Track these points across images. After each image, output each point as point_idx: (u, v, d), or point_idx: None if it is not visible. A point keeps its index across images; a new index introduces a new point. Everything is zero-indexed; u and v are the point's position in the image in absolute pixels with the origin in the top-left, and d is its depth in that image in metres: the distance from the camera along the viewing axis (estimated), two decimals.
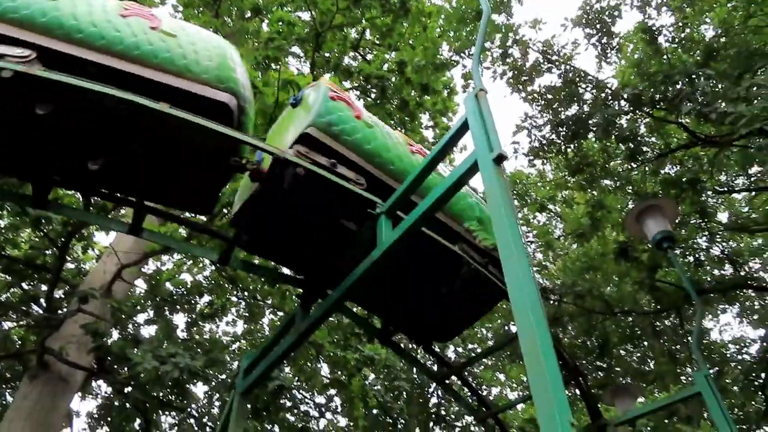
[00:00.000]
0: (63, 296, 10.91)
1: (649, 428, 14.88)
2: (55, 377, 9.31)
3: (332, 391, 19.63)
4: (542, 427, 2.25)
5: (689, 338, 14.68)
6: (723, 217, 14.58)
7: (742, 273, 13.01)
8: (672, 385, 15.65)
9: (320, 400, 19.32)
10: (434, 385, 21.18)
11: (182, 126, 3.38)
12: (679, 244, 12.01)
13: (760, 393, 14.33)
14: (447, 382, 5.82)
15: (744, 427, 14.04)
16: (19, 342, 13.56)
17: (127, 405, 12.47)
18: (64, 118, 3.38)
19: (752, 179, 12.92)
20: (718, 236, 13.39)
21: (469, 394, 6.11)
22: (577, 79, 11.88)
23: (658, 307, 13.19)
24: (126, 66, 3.44)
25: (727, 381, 14.65)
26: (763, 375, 14.14)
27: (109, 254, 10.84)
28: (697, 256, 13.24)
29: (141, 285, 14.31)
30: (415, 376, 20.27)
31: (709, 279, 13.38)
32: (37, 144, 3.63)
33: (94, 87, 3.21)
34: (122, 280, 10.67)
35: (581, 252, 14.39)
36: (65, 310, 9.91)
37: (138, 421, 14.93)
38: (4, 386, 16.00)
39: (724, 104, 8.63)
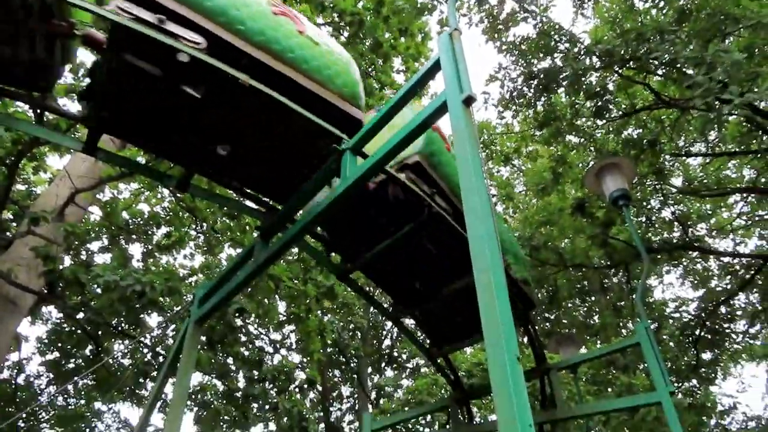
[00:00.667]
0: (12, 218, 10.58)
1: (588, 376, 15.64)
2: (3, 299, 9.13)
3: (287, 329, 19.94)
4: (490, 359, 2.33)
5: (634, 295, 15.34)
6: (677, 181, 15.01)
7: (689, 236, 13.52)
8: (614, 337, 16.40)
9: (275, 336, 19.62)
10: (388, 327, 21.71)
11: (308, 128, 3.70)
12: (633, 204, 12.36)
13: (692, 349, 15.18)
14: (401, 321, 5.95)
15: (674, 378, 14.91)
16: None
17: (79, 331, 12.36)
18: (206, 105, 3.52)
19: (710, 145, 13.27)
20: (670, 199, 13.81)
21: (422, 336, 6.26)
22: (552, 32, 11.79)
23: (609, 262, 13.65)
24: (279, 66, 3.56)
25: (664, 336, 15.45)
26: (697, 332, 14.95)
27: (62, 177, 10.50)
28: (648, 216, 13.67)
29: (96, 212, 13.99)
30: (371, 317, 20.72)
31: (657, 240, 13.87)
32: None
33: (260, 87, 3.40)
34: (75, 205, 10.38)
35: (540, 206, 14.67)
36: (15, 232, 9.63)
37: (89, 347, 14.91)
38: None
39: (690, 68, 8.74)
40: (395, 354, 22.58)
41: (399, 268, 5.31)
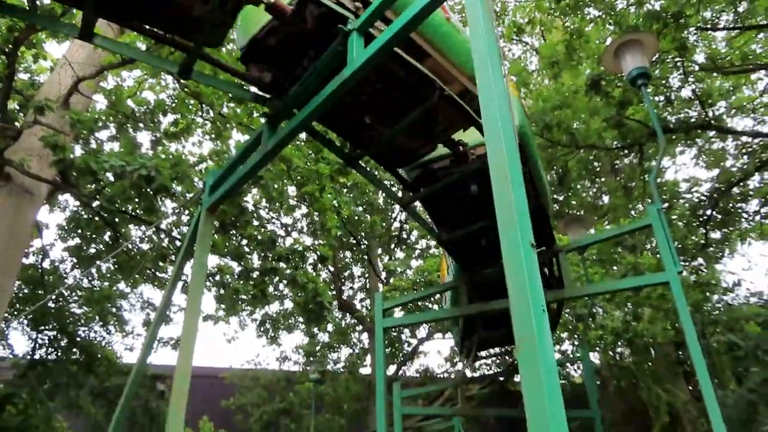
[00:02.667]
0: (18, 108, 10.45)
1: (594, 256, 15.96)
2: (19, 189, 9.24)
3: (298, 213, 20.26)
4: (504, 245, 2.32)
5: (646, 176, 15.26)
6: (699, 57, 14.35)
7: (708, 114, 13.15)
8: (623, 219, 16.55)
9: (286, 220, 20.00)
10: (398, 209, 21.99)
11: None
12: (651, 82, 11.91)
13: (702, 229, 15.33)
14: (411, 205, 5.97)
15: (681, 257, 15.20)
16: None
17: (96, 218, 12.63)
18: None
19: (738, 18, 12.51)
20: (691, 76, 13.29)
21: (430, 220, 6.29)
22: None
23: (622, 143, 13.45)
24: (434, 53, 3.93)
25: (673, 217, 15.55)
26: (708, 212, 15.02)
27: (63, 66, 10.22)
28: (667, 95, 13.24)
29: (101, 101, 13.78)
30: (380, 201, 20.93)
31: (675, 119, 13.53)
32: None
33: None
34: (79, 93, 10.19)
35: (554, 88, 14.21)
36: (22, 122, 9.54)
37: (108, 233, 15.32)
38: None
39: None
40: (404, 236, 23.06)
41: (408, 155, 5.24)
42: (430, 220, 6.37)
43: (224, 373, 21.66)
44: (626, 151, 16.52)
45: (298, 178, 9.69)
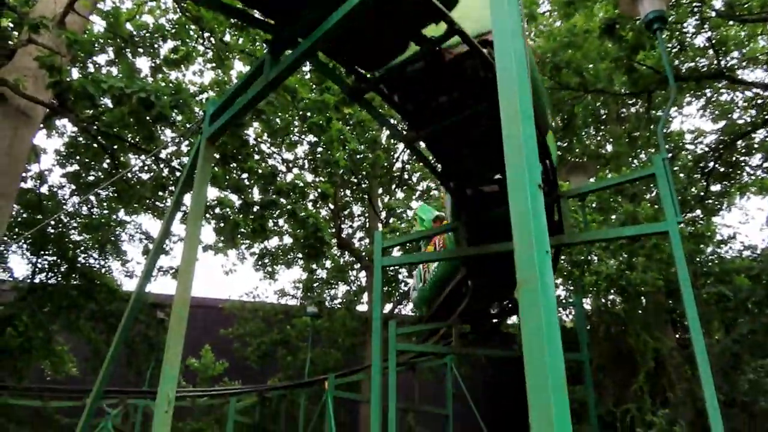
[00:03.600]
0: (12, 26, 10.12)
1: (593, 204, 15.94)
2: (15, 110, 9.07)
3: (300, 150, 20.08)
4: (511, 185, 2.26)
5: (652, 125, 15.05)
6: (717, 3, 13.86)
7: (721, 64, 12.81)
8: (625, 167, 16.42)
9: (288, 156, 19.84)
10: (400, 149, 21.79)
11: None
12: (666, 28, 11.53)
13: (703, 180, 15.25)
14: (415, 145, 5.87)
15: (680, 208, 15.15)
16: None
17: (95, 145, 12.49)
18: None
19: None
20: (707, 23, 12.86)
21: (434, 160, 6.20)
22: None
23: (631, 90, 13.16)
24: None
25: (675, 168, 15.43)
26: (711, 164, 14.89)
27: None
28: (681, 41, 12.86)
29: (99, 23, 13.36)
30: (383, 141, 20.71)
31: (686, 68, 13.21)
32: None
33: None
34: (76, 12, 9.84)
35: (566, 28, 13.76)
36: (16, 41, 9.26)
37: (107, 161, 15.19)
38: None
39: None
40: (406, 176, 22.95)
41: (416, 94, 5.10)
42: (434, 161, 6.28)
43: (223, 304, 22.04)
44: (634, 99, 16.21)
45: (303, 109, 9.48)
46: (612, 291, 15.42)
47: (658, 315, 15.35)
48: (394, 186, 22.66)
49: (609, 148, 19.33)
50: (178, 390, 4.92)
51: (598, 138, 20.37)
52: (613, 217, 15.32)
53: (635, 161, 17.70)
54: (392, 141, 21.93)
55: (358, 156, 18.06)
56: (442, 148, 5.64)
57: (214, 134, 4.74)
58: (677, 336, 16.05)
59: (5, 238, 11.23)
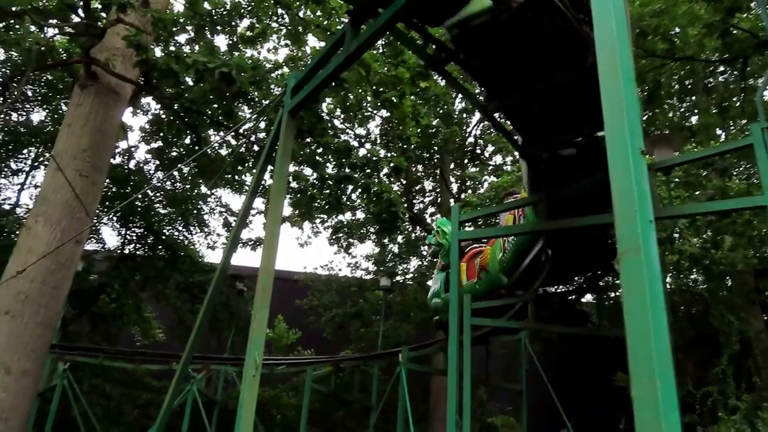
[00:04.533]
0: (100, 7, 10.57)
1: (677, 179, 15.16)
2: (105, 88, 9.54)
3: (372, 125, 20.14)
4: (611, 151, 2.15)
5: (746, 95, 14.03)
6: None
7: None
8: (713, 141, 15.46)
9: (360, 131, 19.97)
10: (473, 122, 21.45)
11: None
12: None
13: None
14: (493, 114, 5.73)
15: None
16: (65, 54, 13.71)
17: (177, 122, 12.98)
18: None
19: None
20: None
21: (511, 128, 6.03)
22: None
23: (722, 58, 12.31)
24: None
25: None
26: None
27: None
28: None
29: (178, 2, 13.80)
30: (456, 115, 20.43)
31: None
32: None
33: None
34: None
35: None
36: (105, 22, 9.68)
37: (189, 138, 15.80)
38: (58, 96, 16.71)
39: None
40: (478, 151, 22.60)
41: (498, 63, 4.95)
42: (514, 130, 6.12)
43: (298, 276, 22.61)
44: (725, 67, 15.16)
45: (377, 83, 9.44)
46: (695, 270, 14.70)
47: (746, 296, 14.52)
48: (466, 161, 22.36)
49: (694, 120, 18.26)
50: None
51: (683, 110, 19.27)
52: (697, 192, 14.49)
53: (724, 134, 16.64)
54: (465, 115, 21.60)
55: (430, 131, 17.91)
56: (522, 116, 5.47)
57: (295, 107, 4.80)
58: (766, 318, 15.14)
59: (97, 211, 11.93)
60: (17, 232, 14.75)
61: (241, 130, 11.49)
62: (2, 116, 16.66)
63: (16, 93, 14.03)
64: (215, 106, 11.49)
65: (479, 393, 16.39)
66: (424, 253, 21.85)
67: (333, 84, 8.71)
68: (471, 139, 22.20)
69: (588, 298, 14.92)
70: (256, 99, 10.58)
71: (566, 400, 11.45)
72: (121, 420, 16.22)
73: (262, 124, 12.00)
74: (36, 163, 18.15)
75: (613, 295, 18.14)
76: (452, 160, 22.00)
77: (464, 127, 21.53)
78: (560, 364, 18.86)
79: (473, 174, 20.32)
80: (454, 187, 21.49)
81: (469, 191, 21.02)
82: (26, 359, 8.07)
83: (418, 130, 10.34)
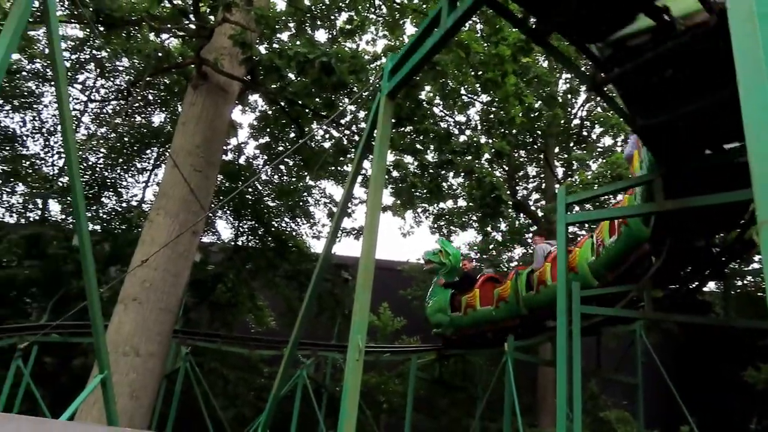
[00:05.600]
0: (209, 10, 11.12)
1: None
2: (215, 87, 10.03)
3: (471, 111, 19.77)
4: (746, 114, 1.89)
5: None
6: None
7: None
8: None
9: (460, 118, 19.66)
10: (578, 104, 20.49)
11: None
12: None
13: None
14: (601, 88, 5.36)
15: None
16: (179, 57, 14.60)
17: (283, 120, 13.46)
18: None
19: None
20: None
21: (622, 105, 5.63)
22: None
23: None
24: None
25: None
26: None
27: None
28: None
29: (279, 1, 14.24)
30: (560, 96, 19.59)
31: None
32: None
33: None
34: None
35: None
36: (212, 22, 10.17)
37: (293, 132, 16.34)
38: (175, 98, 17.85)
39: None
40: (585, 133, 21.54)
41: (600, 28, 4.62)
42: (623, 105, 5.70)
43: (402, 267, 22.75)
44: None
45: (477, 63, 9.22)
46: None
47: None
48: (572, 144, 21.40)
49: None
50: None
51: None
52: None
53: None
54: (569, 96, 20.67)
55: (533, 114, 17.30)
56: (635, 90, 5.07)
57: (393, 89, 4.74)
58: None
59: (212, 204, 12.62)
60: (141, 227, 16.01)
61: (342, 121, 11.68)
62: (126, 119, 18.08)
63: (138, 97, 15.13)
64: (317, 100, 11.78)
65: (590, 386, 15.70)
66: (529, 239, 21.24)
67: (431, 67, 8.59)
68: (576, 122, 21.23)
69: (711, 286, 13.82)
70: (356, 90, 10.72)
71: (687, 395, 10.70)
72: (237, 402, 17.15)
73: (362, 114, 12.14)
74: (158, 162, 19.54)
75: (740, 283, 16.66)
76: (557, 143, 21.15)
77: (569, 109, 20.60)
78: (680, 357, 17.65)
79: (580, 156, 19.34)
80: (559, 171, 20.65)
81: (576, 176, 20.11)
82: (152, 342, 8.71)
83: (522, 110, 9.99)
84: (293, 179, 19.45)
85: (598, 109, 20.43)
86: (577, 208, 12.51)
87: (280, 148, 18.32)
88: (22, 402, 11.86)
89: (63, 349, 14.60)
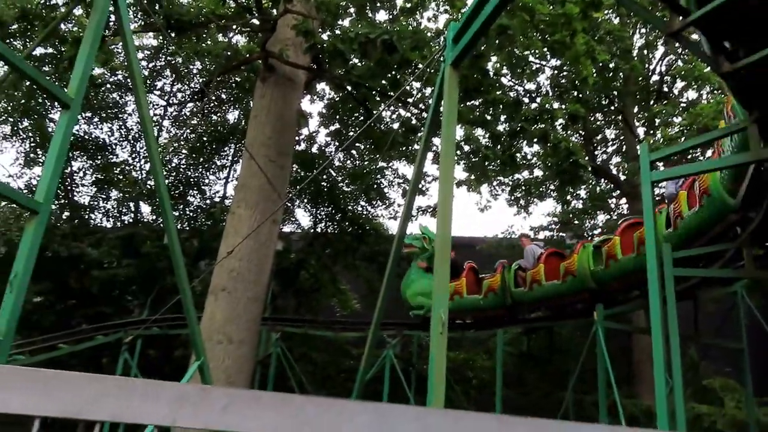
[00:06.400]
0: (270, 3, 11.32)
1: None
2: (282, 78, 10.21)
3: (541, 77, 19.12)
4: None
5: None
6: None
7: None
8: None
9: (529, 86, 19.07)
10: (656, 59, 19.37)
11: None
12: None
13: None
14: (683, 34, 5.00)
15: None
16: (246, 54, 14.97)
17: (349, 101, 13.54)
18: None
19: None
20: None
21: (706, 47, 5.24)
22: None
23: None
24: None
25: None
26: None
27: None
28: None
29: None
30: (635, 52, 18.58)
31: None
32: None
33: None
34: None
35: None
36: (274, 15, 10.33)
37: (361, 117, 16.41)
38: (247, 94, 18.36)
39: None
40: (665, 89, 20.33)
41: None
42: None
43: (480, 246, 22.48)
44: None
45: (544, 24, 8.85)
46: None
47: None
48: (651, 102, 20.27)
49: None
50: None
51: None
52: None
53: None
54: (645, 52, 19.58)
55: (608, 74, 16.50)
56: (720, 30, 4.70)
57: (457, 58, 4.63)
58: None
59: (288, 193, 12.93)
60: (224, 221, 16.67)
61: (409, 99, 11.61)
62: (203, 119, 18.80)
63: (212, 96, 15.66)
64: (383, 81, 11.76)
65: (690, 353, 14.97)
66: (612, 205, 20.41)
67: (501, 32, 8.31)
68: (655, 78, 20.08)
69: None
70: (421, 66, 10.60)
71: None
72: (328, 383, 17.63)
73: (429, 91, 12.01)
74: (236, 158, 20.22)
75: None
76: (635, 102, 20.10)
77: (646, 65, 19.50)
78: None
79: (662, 109, 18.17)
80: (640, 131, 19.64)
81: (658, 133, 19.03)
82: (242, 330, 9.08)
83: (594, 72, 9.53)
84: (365, 162, 19.61)
85: (679, 62, 19.24)
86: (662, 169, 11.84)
87: (351, 134, 18.50)
88: None
89: (164, 341, 15.52)
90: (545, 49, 11.74)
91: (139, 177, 19.52)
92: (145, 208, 19.87)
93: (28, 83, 14.41)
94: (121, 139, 19.60)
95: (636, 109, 20.29)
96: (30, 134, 18.29)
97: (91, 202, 19.30)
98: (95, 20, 4.91)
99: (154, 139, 6.04)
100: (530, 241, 12.77)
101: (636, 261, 9.50)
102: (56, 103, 16.55)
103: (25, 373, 1.04)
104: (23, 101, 16.88)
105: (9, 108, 16.96)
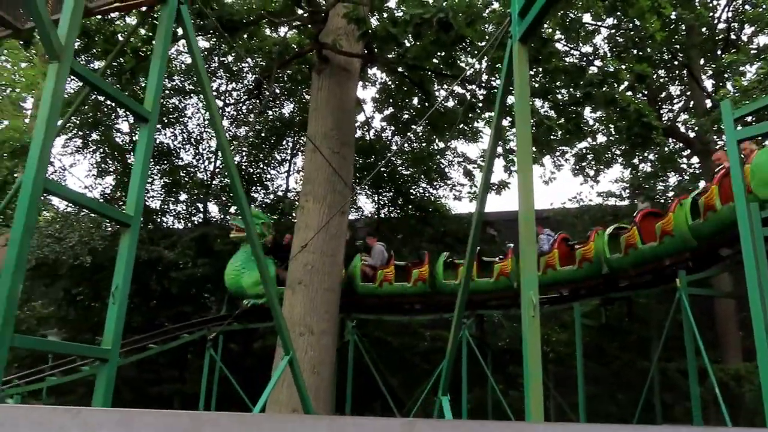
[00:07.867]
0: None
1: None
2: (337, 68, 10.23)
3: (597, 39, 18.37)
4: None
5: None
6: None
7: None
8: None
9: (586, 50, 18.36)
10: (721, 6, 18.27)
11: None
12: None
13: None
14: None
15: None
16: (297, 47, 15.06)
17: (403, 84, 13.44)
18: None
19: None
20: None
21: None
22: None
23: None
24: None
25: None
26: None
27: None
28: None
29: None
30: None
31: None
32: None
33: None
34: None
35: None
36: (324, 5, 10.33)
37: (417, 98, 16.29)
38: (301, 87, 18.50)
39: None
40: (732, 37, 19.10)
41: None
42: None
43: (547, 213, 21.92)
44: None
45: None
46: None
47: None
48: (719, 52, 19.11)
49: None
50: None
51: None
52: None
53: None
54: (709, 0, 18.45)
55: (669, 27, 15.66)
56: None
57: (525, 33, 4.48)
58: None
59: (354, 183, 13.01)
60: (293, 214, 16.96)
61: (465, 77, 11.41)
62: (260, 116, 19.10)
63: (268, 92, 15.88)
64: (436, 62, 11.58)
65: None
66: (684, 166, 19.52)
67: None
68: (722, 26, 18.90)
69: None
70: (474, 41, 10.38)
71: None
72: (403, 366, 17.80)
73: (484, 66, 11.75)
74: (294, 151, 20.50)
75: None
76: (701, 54, 19.00)
77: (711, 14, 18.38)
78: None
79: (733, 58, 17.03)
80: (708, 85, 18.60)
81: (729, 85, 17.96)
82: (322, 320, 9.26)
83: (660, 27, 9.07)
84: (423, 144, 19.46)
85: (746, 6, 18.05)
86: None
87: (405, 116, 18.37)
88: (218, 384, 13.31)
89: (243, 335, 16.04)
90: (603, 8, 11.24)
91: (204, 178, 20.10)
92: (213, 208, 20.48)
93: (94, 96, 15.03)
94: (184, 142, 20.19)
95: (702, 62, 19.22)
96: (99, 145, 19.08)
97: (162, 206, 20.03)
98: (162, 34, 5.04)
99: (224, 137, 6.21)
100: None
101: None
102: (127, 114, 17.13)
103: None
104: (91, 114, 17.60)
105: (78, 121, 17.71)
